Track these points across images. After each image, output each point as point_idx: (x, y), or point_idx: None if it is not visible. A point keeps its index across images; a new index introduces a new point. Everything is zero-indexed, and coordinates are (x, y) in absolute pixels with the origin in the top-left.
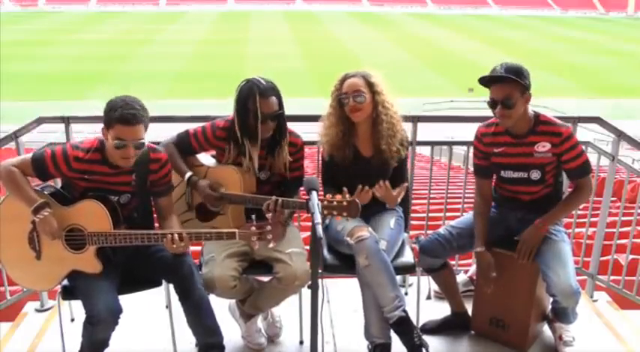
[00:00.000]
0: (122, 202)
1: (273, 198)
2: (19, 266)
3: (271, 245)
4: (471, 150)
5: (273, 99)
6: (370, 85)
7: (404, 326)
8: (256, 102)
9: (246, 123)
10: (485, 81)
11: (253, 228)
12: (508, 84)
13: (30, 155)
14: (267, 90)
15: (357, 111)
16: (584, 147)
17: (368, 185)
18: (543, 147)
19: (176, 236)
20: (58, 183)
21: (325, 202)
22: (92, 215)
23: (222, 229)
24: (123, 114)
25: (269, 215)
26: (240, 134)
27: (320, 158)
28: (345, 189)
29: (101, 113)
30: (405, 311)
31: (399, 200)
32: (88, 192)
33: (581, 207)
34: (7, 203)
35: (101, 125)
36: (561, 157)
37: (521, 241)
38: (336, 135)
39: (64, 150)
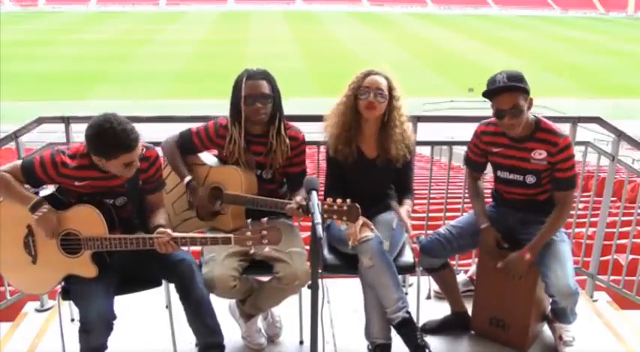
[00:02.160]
0: (118, 205)
1: (294, 204)
2: (15, 271)
3: (267, 249)
4: (470, 143)
5: (262, 82)
6: (391, 89)
7: (407, 328)
8: (242, 83)
9: (236, 106)
10: (491, 93)
11: (249, 233)
12: (514, 92)
13: (19, 162)
14: (255, 74)
15: (372, 109)
16: (582, 148)
17: (370, 186)
18: (540, 154)
19: (170, 241)
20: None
21: (326, 206)
22: (87, 220)
23: (218, 235)
24: (123, 146)
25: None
26: (231, 120)
27: (321, 158)
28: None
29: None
30: (408, 312)
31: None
32: (83, 196)
33: (580, 206)
34: (1, 209)
35: None
36: (554, 166)
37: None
38: (341, 126)
39: (52, 156)
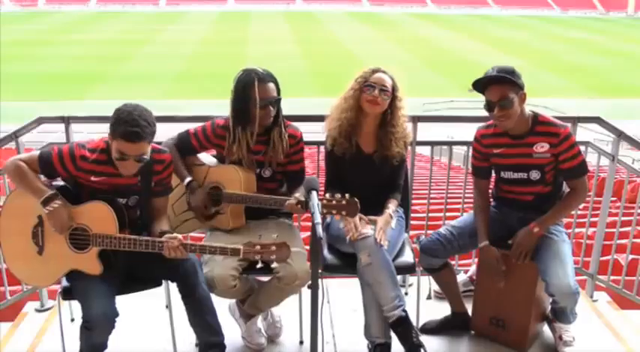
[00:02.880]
0: (130, 205)
1: (293, 200)
2: (21, 260)
3: (274, 265)
4: (471, 150)
5: (272, 85)
6: (394, 89)
7: (403, 326)
8: (255, 88)
9: (246, 110)
10: (480, 85)
11: (258, 247)
12: (503, 84)
13: (37, 152)
14: (265, 77)
15: (375, 105)
16: (583, 148)
17: (369, 184)
18: (542, 147)
19: (180, 247)
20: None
21: (324, 201)
22: (99, 216)
23: (228, 246)
24: (126, 132)
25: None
26: (234, 123)
27: (321, 157)
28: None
29: (101, 113)
30: (404, 311)
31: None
32: (97, 193)
33: (581, 206)
34: (13, 197)
35: (101, 125)
36: (559, 157)
37: (515, 244)
38: (346, 119)
39: (71, 148)
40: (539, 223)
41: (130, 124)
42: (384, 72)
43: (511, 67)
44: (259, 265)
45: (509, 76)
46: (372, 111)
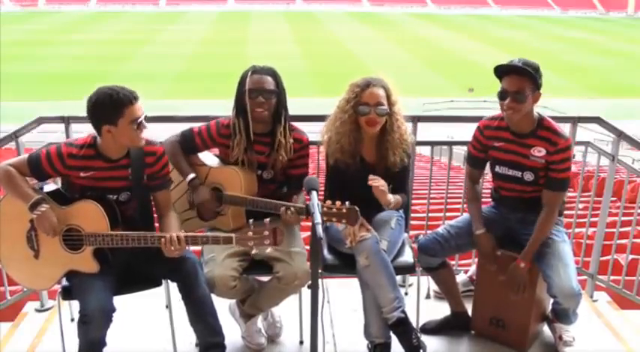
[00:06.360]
0: (122, 200)
1: (292, 208)
2: (18, 265)
3: (268, 250)
4: (471, 138)
5: (267, 77)
6: (389, 97)
7: (402, 327)
8: (247, 78)
9: (241, 101)
10: (502, 71)
11: (250, 233)
12: (523, 77)
13: (26, 156)
14: (261, 69)
15: (374, 125)
16: (582, 148)
17: (370, 190)
18: (539, 151)
19: (174, 238)
20: (59, 184)
21: (325, 209)
22: (89, 215)
23: (220, 234)
24: (127, 97)
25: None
26: (235, 115)
27: (321, 158)
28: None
29: None
30: (404, 312)
31: (392, 206)
32: (87, 191)
33: (580, 206)
34: (6, 202)
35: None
36: (550, 165)
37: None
38: (348, 144)
39: (58, 148)
40: (523, 257)
41: (122, 93)
42: (375, 85)
43: (536, 63)
44: (254, 251)
45: (533, 71)
46: (372, 131)
